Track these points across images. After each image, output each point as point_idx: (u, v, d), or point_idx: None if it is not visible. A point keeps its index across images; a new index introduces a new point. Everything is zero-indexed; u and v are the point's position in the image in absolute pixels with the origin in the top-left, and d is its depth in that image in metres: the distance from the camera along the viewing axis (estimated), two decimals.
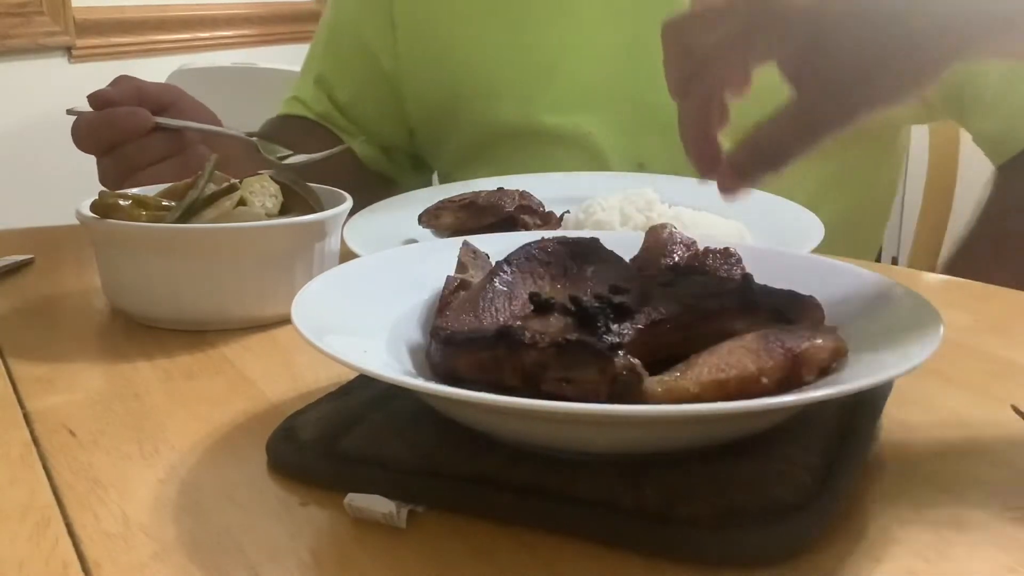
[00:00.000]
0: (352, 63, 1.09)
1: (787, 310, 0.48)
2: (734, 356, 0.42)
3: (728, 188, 0.52)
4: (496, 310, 0.46)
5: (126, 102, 0.80)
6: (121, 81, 0.83)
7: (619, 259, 0.52)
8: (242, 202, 0.66)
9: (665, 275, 0.50)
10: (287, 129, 1.10)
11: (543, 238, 0.52)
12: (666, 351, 0.45)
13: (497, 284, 0.48)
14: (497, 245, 0.55)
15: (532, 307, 0.45)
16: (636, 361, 0.41)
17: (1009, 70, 0.94)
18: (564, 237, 0.52)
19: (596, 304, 0.44)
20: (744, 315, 0.47)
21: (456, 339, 0.44)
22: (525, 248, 0.50)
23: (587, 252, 0.52)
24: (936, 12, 0.47)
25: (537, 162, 0.99)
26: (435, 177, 1.18)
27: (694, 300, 0.47)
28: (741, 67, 0.52)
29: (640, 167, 0.97)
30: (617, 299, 0.45)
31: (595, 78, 0.98)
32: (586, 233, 0.54)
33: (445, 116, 1.06)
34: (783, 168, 0.50)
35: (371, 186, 1.09)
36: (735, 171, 0.51)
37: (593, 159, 0.99)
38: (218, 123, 0.86)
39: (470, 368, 0.43)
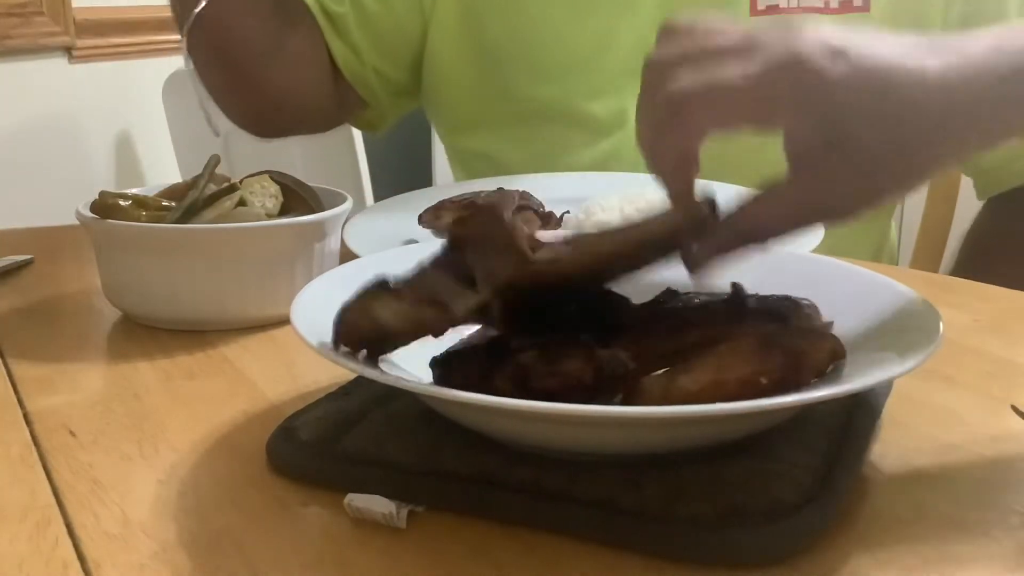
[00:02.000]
0: None
1: (781, 313, 0.48)
2: (733, 357, 0.42)
3: (703, 264, 0.47)
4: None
5: None
6: None
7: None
8: (242, 202, 0.66)
9: (656, 299, 0.50)
10: None
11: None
12: (663, 363, 0.45)
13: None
14: None
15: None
16: (620, 352, 0.41)
17: None
18: None
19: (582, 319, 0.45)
20: (736, 319, 0.47)
21: (442, 359, 0.44)
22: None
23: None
24: (957, 126, 0.45)
25: (560, 144, 0.98)
26: (436, 146, 1.11)
27: (685, 311, 0.47)
28: (734, 123, 0.46)
29: None
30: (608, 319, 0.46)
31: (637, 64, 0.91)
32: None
33: (471, 79, 1.01)
34: (766, 247, 0.47)
35: (332, 104, 1.01)
36: (717, 247, 0.47)
37: (621, 152, 0.97)
38: None
39: (464, 383, 0.43)
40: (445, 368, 0.44)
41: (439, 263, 0.43)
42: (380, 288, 0.44)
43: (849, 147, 0.44)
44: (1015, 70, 0.45)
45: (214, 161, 0.69)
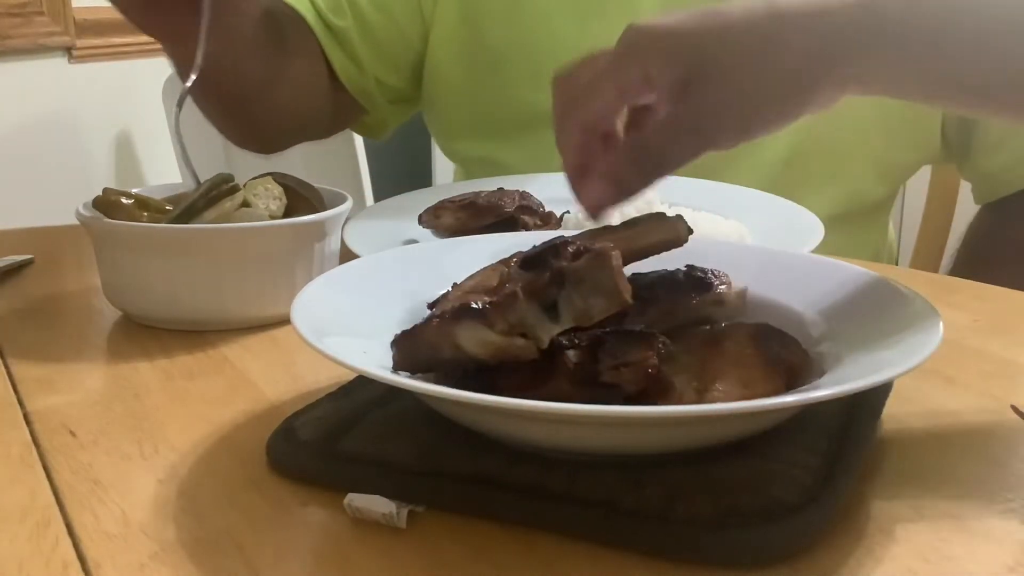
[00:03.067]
0: None
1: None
2: (750, 381, 0.43)
3: (599, 201, 0.50)
4: None
5: None
6: None
7: None
8: (246, 204, 0.66)
9: None
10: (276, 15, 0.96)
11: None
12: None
13: None
14: (497, 245, 0.55)
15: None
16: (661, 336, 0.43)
17: None
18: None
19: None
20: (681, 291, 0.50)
21: (488, 368, 0.44)
22: None
23: None
24: (797, 41, 0.49)
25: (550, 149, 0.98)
26: (434, 149, 1.12)
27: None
28: (616, 96, 0.52)
29: None
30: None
31: None
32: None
33: (471, 85, 1.01)
34: (661, 179, 0.50)
35: (331, 116, 1.02)
36: (611, 180, 0.50)
37: None
38: None
39: (517, 387, 0.43)
40: (489, 376, 0.44)
41: (531, 291, 0.43)
42: (466, 314, 0.43)
43: (701, 79, 0.49)
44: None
45: (220, 180, 0.68)
